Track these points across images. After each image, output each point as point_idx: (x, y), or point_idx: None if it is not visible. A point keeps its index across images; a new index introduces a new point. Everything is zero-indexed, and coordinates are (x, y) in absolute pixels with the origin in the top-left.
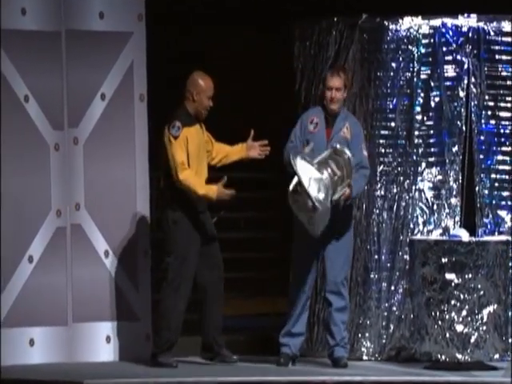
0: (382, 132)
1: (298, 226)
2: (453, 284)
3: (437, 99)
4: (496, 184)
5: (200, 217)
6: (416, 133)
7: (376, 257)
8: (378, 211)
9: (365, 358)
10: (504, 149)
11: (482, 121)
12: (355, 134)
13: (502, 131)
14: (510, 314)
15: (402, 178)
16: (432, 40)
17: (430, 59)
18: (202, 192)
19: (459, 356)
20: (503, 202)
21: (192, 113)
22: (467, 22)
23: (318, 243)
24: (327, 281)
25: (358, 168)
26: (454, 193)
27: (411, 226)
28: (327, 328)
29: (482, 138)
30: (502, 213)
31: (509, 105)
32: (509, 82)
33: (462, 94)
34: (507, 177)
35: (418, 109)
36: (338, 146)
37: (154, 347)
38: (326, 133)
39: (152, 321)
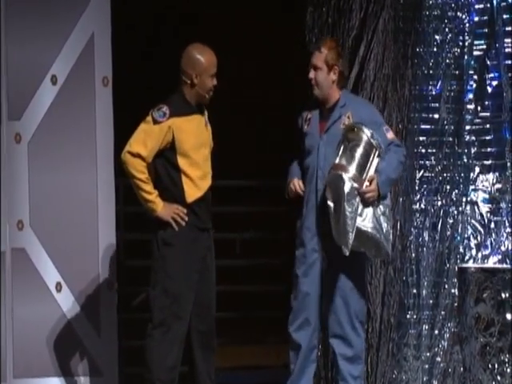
0: (423, 126)
1: (297, 247)
2: None
3: (494, 83)
4: None
5: (200, 236)
6: (467, 127)
7: (414, 291)
8: (416, 231)
9: None
10: None
11: None
12: (366, 118)
13: None
14: None
15: (448, 188)
16: (488, 4)
17: (486, 30)
18: (144, 194)
19: None
20: None
21: (192, 99)
22: None
23: (320, 271)
24: (329, 321)
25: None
26: None
27: (461, 250)
28: None
29: None
30: None
31: None
32: None
33: None
34: None
35: (470, 96)
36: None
37: None
38: (319, 127)
39: (119, 375)
